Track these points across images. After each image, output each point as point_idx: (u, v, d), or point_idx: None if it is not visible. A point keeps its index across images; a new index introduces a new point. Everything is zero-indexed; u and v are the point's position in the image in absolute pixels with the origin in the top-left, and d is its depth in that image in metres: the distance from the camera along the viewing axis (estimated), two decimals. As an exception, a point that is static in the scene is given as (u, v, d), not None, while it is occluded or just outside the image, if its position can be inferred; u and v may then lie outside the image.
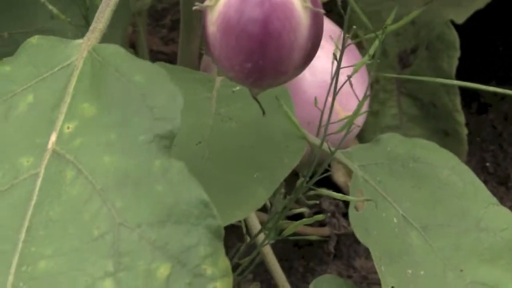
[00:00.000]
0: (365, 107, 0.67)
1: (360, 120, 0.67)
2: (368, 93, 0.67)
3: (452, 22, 0.77)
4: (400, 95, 0.81)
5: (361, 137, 0.83)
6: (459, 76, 0.87)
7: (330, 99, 0.63)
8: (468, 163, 0.84)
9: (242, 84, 0.42)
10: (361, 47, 0.86)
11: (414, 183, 0.61)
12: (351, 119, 0.58)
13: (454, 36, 0.76)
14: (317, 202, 0.71)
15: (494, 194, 0.81)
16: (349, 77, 0.52)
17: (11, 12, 0.74)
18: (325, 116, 0.62)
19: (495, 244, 0.60)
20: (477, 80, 0.90)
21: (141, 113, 0.39)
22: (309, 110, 0.58)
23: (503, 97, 0.87)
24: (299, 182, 0.52)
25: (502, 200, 0.81)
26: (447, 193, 0.61)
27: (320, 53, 0.62)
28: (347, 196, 0.53)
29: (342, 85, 0.53)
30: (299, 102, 0.62)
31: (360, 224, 0.57)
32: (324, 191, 0.53)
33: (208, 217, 0.37)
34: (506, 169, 0.82)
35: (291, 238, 0.65)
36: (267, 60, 0.40)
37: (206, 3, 0.40)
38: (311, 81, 0.63)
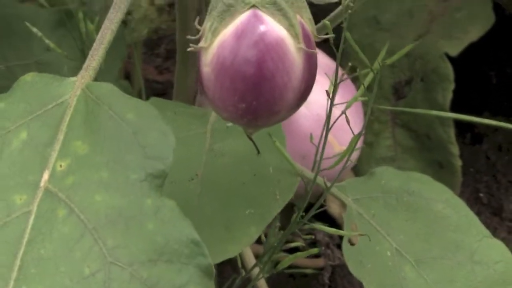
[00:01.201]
0: (359, 142, 0.68)
1: (354, 155, 0.67)
2: (363, 129, 0.68)
3: (446, 55, 0.77)
4: (395, 126, 0.82)
5: (356, 169, 0.83)
6: (452, 107, 0.87)
7: (324, 133, 0.63)
8: (461, 194, 0.84)
9: (236, 124, 0.42)
10: (357, 80, 0.86)
11: (408, 217, 0.61)
12: (344, 154, 0.59)
13: (448, 69, 0.76)
14: (312, 235, 0.71)
15: (488, 225, 0.82)
16: (343, 112, 0.52)
17: (7, 44, 0.74)
18: (320, 150, 0.62)
19: (489, 277, 0.60)
20: (471, 111, 0.90)
21: (133, 151, 0.39)
22: (304, 144, 0.59)
23: (497, 128, 0.87)
24: (294, 217, 0.53)
25: (496, 231, 0.81)
26: (441, 226, 0.61)
27: (315, 87, 0.62)
28: (340, 231, 0.53)
29: (336, 119, 0.53)
30: (294, 136, 0.62)
31: (354, 258, 0.57)
32: (318, 226, 0.53)
33: (199, 256, 0.37)
34: (500, 199, 0.83)
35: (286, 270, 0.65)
36: (261, 101, 0.40)
37: (201, 44, 0.41)
38: (306, 115, 0.63)
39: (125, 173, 0.38)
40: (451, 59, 0.79)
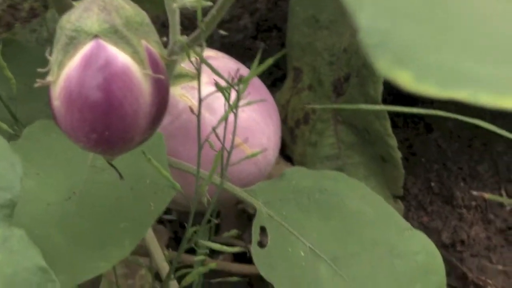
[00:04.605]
0: (274, 144, 0.67)
1: (269, 158, 0.67)
2: (278, 130, 0.68)
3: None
4: (337, 123, 0.81)
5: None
6: (404, 97, 0.87)
7: (231, 136, 0.63)
8: (414, 184, 0.84)
9: (94, 152, 0.43)
10: (300, 79, 0.86)
11: (321, 215, 0.61)
12: (247, 156, 0.59)
13: (376, 62, 0.76)
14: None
15: (440, 214, 0.81)
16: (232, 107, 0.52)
17: None
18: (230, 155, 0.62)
19: (409, 269, 0.60)
20: (423, 100, 0.90)
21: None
22: (212, 151, 0.59)
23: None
24: (186, 234, 0.53)
25: (447, 220, 0.81)
26: (358, 222, 0.61)
27: (219, 93, 0.63)
28: (228, 248, 0.53)
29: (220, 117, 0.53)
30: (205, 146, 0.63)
31: (264, 261, 0.57)
32: (215, 245, 0.53)
33: (48, 282, 0.38)
34: (451, 188, 0.82)
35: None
36: (112, 130, 0.40)
37: (48, 78, 0.41)
38: (211, 121, 0.63)
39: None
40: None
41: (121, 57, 0.40)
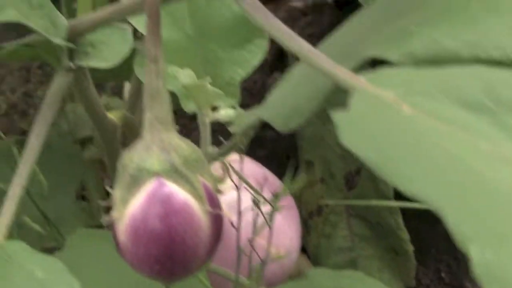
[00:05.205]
0: (296, 245, 0.71)
1: (292, 258, 0.70)
2: (299, 230, 0.71)
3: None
4: (349, 217, 0.85)
5: (315, 261, 0.86)
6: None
7: (261, 241, 0.67)
8: (425, 275, 0.87)
9: (154, 280, 0.45)
10: (312, 171, 0.90)
11: (343, 315, 0.64)
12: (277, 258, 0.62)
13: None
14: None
15: (451, 304, 0.85)
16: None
17: None
18: (258, 258, 0.66)
19: None
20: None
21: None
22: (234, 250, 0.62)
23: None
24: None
25: (458, 309, 0.84)
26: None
27: (246, 196, 0.66)
28: None
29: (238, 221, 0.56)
30: (229, 249, 0.65)
31: None
32: None
33: None
34: (461, 278, 0.85)
35: None
36: (175, 262, 0.43)
37: (114, 215, 0.43)
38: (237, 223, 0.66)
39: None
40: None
41: (181, 194, 0.42)
